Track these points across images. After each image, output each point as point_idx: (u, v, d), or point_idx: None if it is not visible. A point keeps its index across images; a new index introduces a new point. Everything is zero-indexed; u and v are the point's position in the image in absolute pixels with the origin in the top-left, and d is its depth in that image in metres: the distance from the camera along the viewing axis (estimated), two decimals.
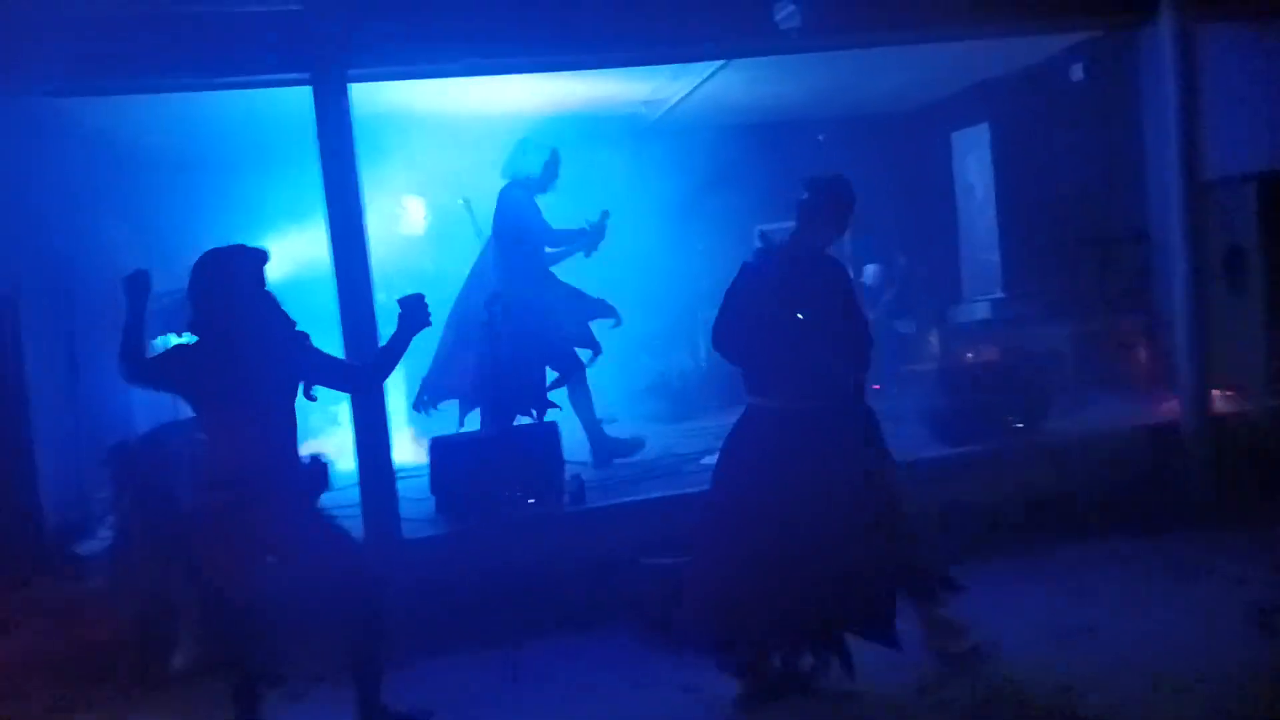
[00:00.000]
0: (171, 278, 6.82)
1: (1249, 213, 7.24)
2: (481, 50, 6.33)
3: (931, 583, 4.86)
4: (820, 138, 9.96)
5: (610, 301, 7.48)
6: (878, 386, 4.98)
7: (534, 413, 6.97)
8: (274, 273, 4.48)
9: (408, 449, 8.05)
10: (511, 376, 6.67)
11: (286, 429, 4.44)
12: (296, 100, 6.03)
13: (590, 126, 8.98)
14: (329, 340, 4.89)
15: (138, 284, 4.44)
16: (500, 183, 7.33)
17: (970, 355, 8.39)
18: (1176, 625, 5.20)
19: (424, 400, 7.38)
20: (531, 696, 5.11)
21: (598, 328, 7.47)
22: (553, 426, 6.74)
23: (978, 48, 7.78)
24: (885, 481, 4.80)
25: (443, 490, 6.37)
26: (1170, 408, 7.05)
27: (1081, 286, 8.69)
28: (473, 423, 7.23)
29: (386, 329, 5.75)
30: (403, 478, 6.32)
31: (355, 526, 5.72)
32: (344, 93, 5.94)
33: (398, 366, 4.77)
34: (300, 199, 7.33)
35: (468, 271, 7.66)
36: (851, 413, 4.76)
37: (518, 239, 7.19)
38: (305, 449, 4.60)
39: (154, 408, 6.72)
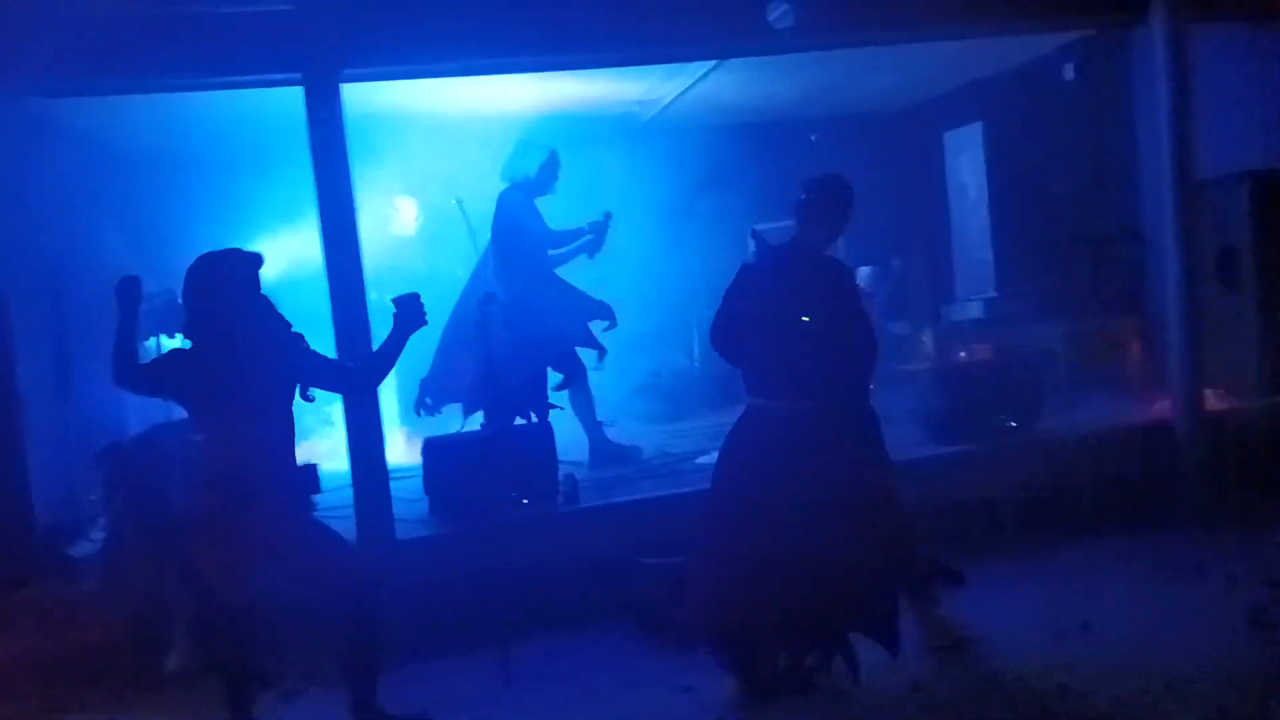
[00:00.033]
0: (161, 278, 6.83)
1: (1241, 212, 7.25)
2: (473, 50, 6.32)
3: (930, 582, 4.87)
4: (813, 137, 9.96)
5: (605, 301, 7.48)
6: (872, 386, 4.97)
7: (533, 415, 6.96)
8: (267, 273, 4.47)
9: (401, 449, 8.04)
10: (510, 378, 6.67)
11: (283, 431, 4.43)
12: (289, 101, 6.02)
13: (583, 126, 8.97)
14: (321, 340, 4.88)
15: (128, 290, 4.43)
16: (495, 184, 7.32)
17: (963, 354, 8.40)
18: (1170, 624, 5.20)
19: (426, 403, 7.36)
20: (526, 697, 5.10)
21: (594, 329, 7.47)
22: (546, 426, 6.73)
23: (970, 47, 7.79)
24: (883, 482, 4.81)
25: (436, 491, 6.36)
26: (1163, 407, 7.06)
27: (1074, 286, 8.68)
28: (475, 426, 7.21)
29: (379, 329, 5.76)
30: (396, 478, 6.30)
31: (349, 527, 5.71)
32: (336, 93, 5.92)
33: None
34: (292, 200, 7.32)
35: (460, 272, 7.64)
36: (851, 414, 4.76)
37: (515, 242, 7.18)
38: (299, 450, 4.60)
39: (146, 409, 6.70)
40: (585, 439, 7.44)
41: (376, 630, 4.51)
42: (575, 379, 7.30)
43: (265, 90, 6.30)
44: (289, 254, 7.47)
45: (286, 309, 4.51)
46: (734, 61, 7.74)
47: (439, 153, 8.41)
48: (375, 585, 4.59)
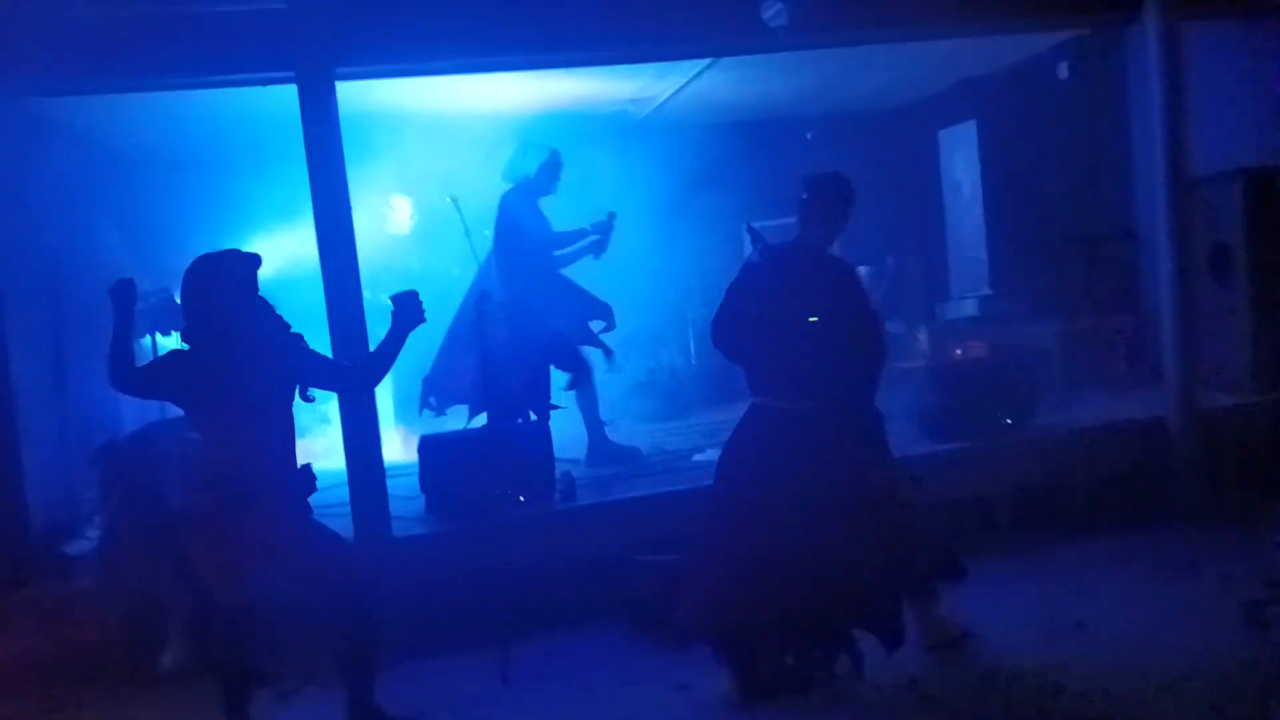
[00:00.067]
0: (158, 276, 6.84)
1: (1235, 210, 7.26)
2: (467, 48, 6.32)
3: (930, 580, 4.88)
4: (808, 136, 9.96)
5: (606, 303, 7.48)
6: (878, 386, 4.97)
7: (534, 415, 6.96)
8: (263, 272, 4.47)
9: (397, 447, 8.04)
10: (511, 378, 6.67)
11: (283, 432, 4.43)
12: (285, 99, 6.02)
13: (577, 125, 8.97)
14: (317, 339, 4.88)
15: (123, 292, 4.40)
16: (490, 182, 7.32)
17: (958, 352, 8.40)
18: (1165, 621, 5.22)
19: (430, 403, 7.36)
20: (523, 695, 5.10)
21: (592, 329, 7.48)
22: (543, 424, 6.74)
23: (964, 45, 7.80)
24: (888, 480, 4.82)
25: (433, 488, 6.37)
26: (1157, 404, 7.07)
27: (1069, 284, 8.72)
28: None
29: (374, 328, 5.76)
30: (393, 476, 6.31)
31: (345, 525, 5.71)
32: (330, 91, 5.93)
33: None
34: (288, 198, 7.32)
35: (456, 271, 7.63)
36: (857, 413, 4.77)
37: (515, 243, 7.18)
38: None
39: (142, 407, 6.70)
40: (583, 436, 7.44)
41: (374, 630, 4.51)
42: (582, 377, 7.31)
43: (262, 89, 6.29)
44: (285, 252, 7.47)
45: (282, 307, 4.51)
46: (728, 60, 7.74)
47: (434, 151, 8.40)
48: (373, 585, 4.59)
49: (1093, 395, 7.80)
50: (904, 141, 10.87)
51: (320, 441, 7.71)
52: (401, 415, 8.64)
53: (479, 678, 5.27)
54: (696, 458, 7.29)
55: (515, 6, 6.23)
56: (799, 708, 4.70)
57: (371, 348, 4.79)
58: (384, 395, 7.73)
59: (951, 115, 10.49)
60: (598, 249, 7.42)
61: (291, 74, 5.93)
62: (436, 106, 8.32)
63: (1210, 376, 7.19)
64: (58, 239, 7.08)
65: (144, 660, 5.42)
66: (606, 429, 7.55)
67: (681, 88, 8.68)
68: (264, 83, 6.21)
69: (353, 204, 6.03)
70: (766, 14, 6.24)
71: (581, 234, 7.39)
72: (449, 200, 7.29)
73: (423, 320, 4.56)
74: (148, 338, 7.06)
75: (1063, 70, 8.71)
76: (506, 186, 7.32)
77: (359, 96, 6.55)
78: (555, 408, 7.08)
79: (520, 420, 6.74)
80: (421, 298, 4.54)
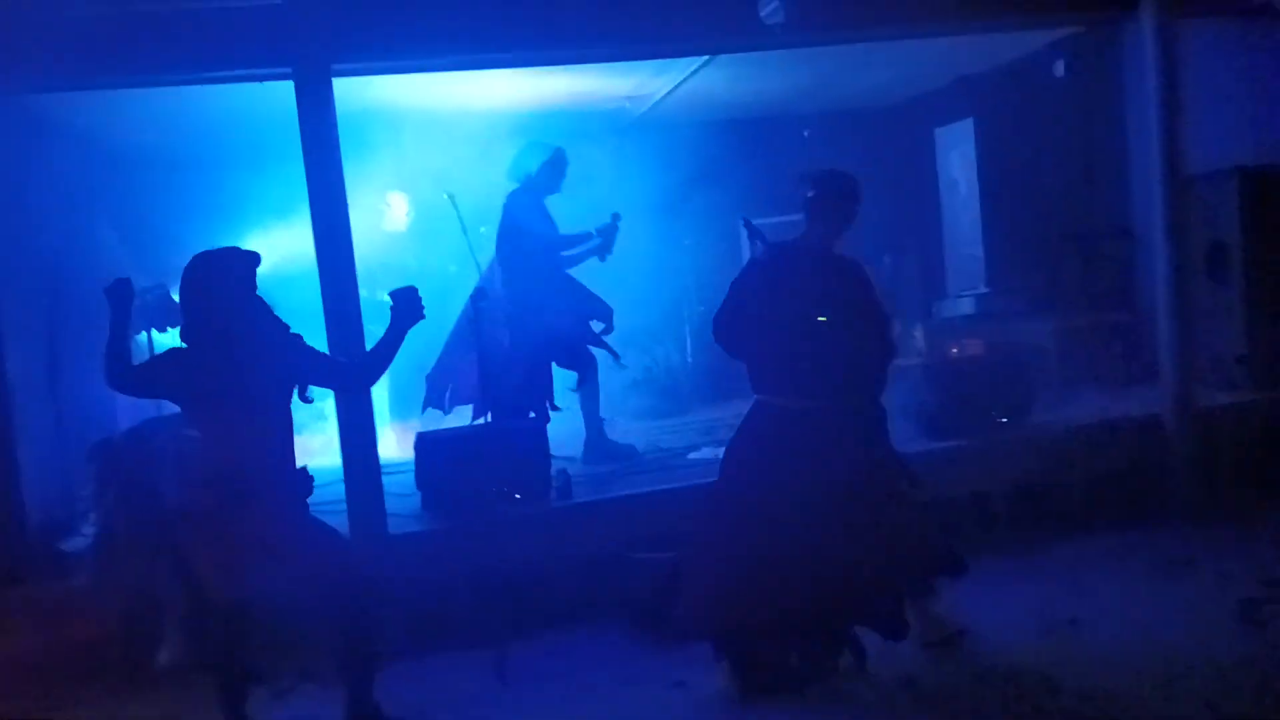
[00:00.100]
0: (155, 274, 6.82)
1: (1231, 207, 7.27)
2: (465, 45, 6.31)
3: (929, 578, 4.89)
4: (805, 133, 9.96)
5: (607, 304, 7.48)
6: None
7: (534, 413, 6.96)
8: (260, 270, 4.46)
9: (394, 444, 8.04)
10: (512, 377, 6.67)
11: (282, 430, 4.42)
12: (281, 97, 6.01)
13: (574, 122, 8.97)
14: (313, 335, 4.87)
15: (120, 292, 4.38)
16: (487, 179, 7.33)
17: (955, 350, 8.40)
18: (1161, 618, 5.21)
19: (434, 399, 7.34)
20: (520, 693, 5.09)
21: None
22: (539, 421, 6.73)
23: (961, 43, 7.81)
24: (891, 478, 4.83)
25: (428, 486, 6.36)
26: (1154, 402, 7.07)
27: (1065, 281, 8.72)
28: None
29: (370, 324, 5.76)
30: (388, 473, 6.30)
31: (340, 523, 5.70)
32: (327, 87, 5.92)
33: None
34: (285, 195, 7.30)
35: (452, 268, 7.62)
36: (860, 412, 4.77)
37: (516, 243, 7.17)
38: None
39: (137, 404, 6.69)
40: (579, 434, 7.44)
41: (373, 627, 4.51)
42: (587, 375, 7.31)
43: (259, 86, 6.28)
44: (282, 249, 7.45)
45: (279, 305, 4.50)
46: (724, 57, 7.75)
47: (430, 148, 8.40)
48: (372, 583, 4.58)
49: (1089, 393, 7.80)
50: (901, 139, 10.88)
51: (317, 438, 7.70)
52: (397, 412, 8.62)
53: (475, 675, 5.26)
54: (692, 455, 7.29)
55: (512, 3, 6.23)
56: (796, 706, 4.69)
57: (368, 345, 4.79)
58: (380, 392, 7.71)
59: (948, 113, 10.50)
60: (602, 252, 7.41)
61: (288, 70, 5.92)
62: (433, 103, 8.32)
63: (1206, 374, 7.20)
64: (55, 237, 7.07)
65: (141, 658, 5.40)
66: (604, 426, 7.55)
67: (678, 85, 8.68)
68: (260, 79, 6.20)
69: (349, 201, 6.02)
70: (763, 11, 6.24)
71: (586, 237, 7.38)
72: (446, 197, 7.28)
73: (422, 317, 4.56)
74: (143, 334, 7.05)
75: (1059, 68, 8.72)
76: (505, 184, 7.31)
77: (356, 93, 6.55)
78: (556, 409, 7.09)
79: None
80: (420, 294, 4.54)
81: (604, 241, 7.37)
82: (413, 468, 6.46)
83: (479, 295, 6.27)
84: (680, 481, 6.42)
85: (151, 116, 7.65)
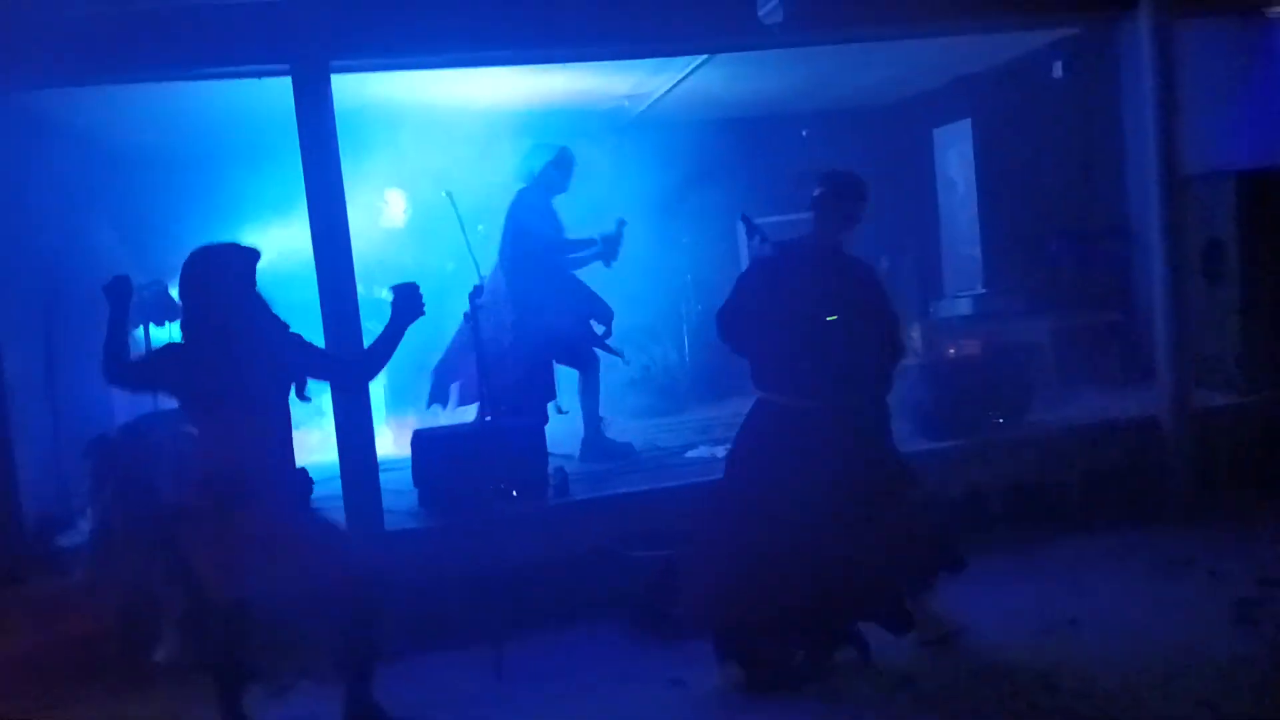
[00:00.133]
0: (153, 271, 6.82)
1: (1228, 207, 7.27)
2: (463, 43, 6.32)
3: (928, 575, 4.90)
4: (803, 133, 9.96)
5: (609, 306, 7.49)
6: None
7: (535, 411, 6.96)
8: (259, 266, 4.45)
9: (390, 442, 8.03)
10: (517, 374, 6.67)
11: (281, 426, 4.42)
12: (280, 94, 6.00)
13: (572, 120, 8.98)
14: (310, 332, 4.87)
15: (118, 290, 4.38)
16: (485, 177, 7.33)
17: (952, 350, 8.41)
18: (1158, 618, 5.22)
19: (439, 395, 7.33)
20: (517, 690, 5.09)
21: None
22: (537, 419, 6.73)
23: (959, 43, 7.81)
24: (894, 476, 4.83)
25: (426, 483, 6.36)
26: (1151, 401, 7.08)
27: (1062, 281, 8.72)
28: None
29: (368, 321, 5.76)
30: (385, 471, 6.30)
31: (337, 520, 5.70)
32: (325, 84, 5.92)
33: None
34: (283, 193, 7.30)
35: (450, 266, 7.60)
36: (860, 412, 4.77)
37: (518, 243, 7.17)
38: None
39: (135, 402, 6.69)
40: (577, 432, 7.44)
41: (372, 624, 4.50)
42: (589, 373, 7.31)
43: (259, 84, 6.28)
44: (280, 246, 7.44)
45: (277, 301, 4.49)
46: (723, 56, 7.74)
47: (429, 146, 8.39)
48: (371, 579, 4.57)
49: (1086, 392, 7.80)
50: (899, 139, 10.89)
51: (314, 435, 7.69)
52: (395, 409, 8.62)
53: (472, 673, 5.26)
54: (689, 454, 7.29)
55: (511, 1, 6.23)
56: (794, 704, 4.69)
57: (365, 342, 4.78)
58: (377, 389, 7.71)
59: (946, 113, 10.51)
60: (607, 257, 7.41)
61: (286, 67, 5.92)
62: (431, 101, 8.30)
63: (1203, 374, 7.20)
64: (53, 235, 7.07)
65: (139, 656, 5.40)
66: (602, 424, 7.55)
67: (677, 84, 8.68)
68: (259, 75, 6.20)
69: (347, 198, 6.01)
70: (762, 10, 6.24)
71: (589, 243, 7.38)
72: (444, 195, 7.28)
73: (422, 314, 4.55)
74: (140, 329, 7.05)
75: (1057, 68, 8.72)
76: (503, 182, 7.31)
77: (355, 90, 6.54)
78: (563, 412, 7.09)
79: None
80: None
81: (609, 248, 7.37)
82: (410, 465, 6.45)
83: (476, 293, 6.26)
84: (677, 480, 6.43)
85: (150, 115, 7.64)
